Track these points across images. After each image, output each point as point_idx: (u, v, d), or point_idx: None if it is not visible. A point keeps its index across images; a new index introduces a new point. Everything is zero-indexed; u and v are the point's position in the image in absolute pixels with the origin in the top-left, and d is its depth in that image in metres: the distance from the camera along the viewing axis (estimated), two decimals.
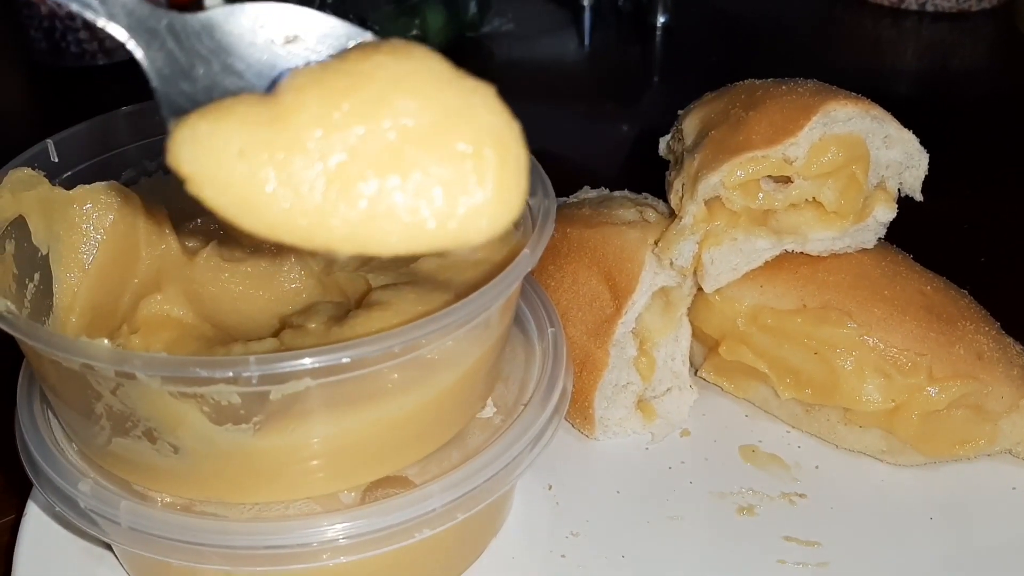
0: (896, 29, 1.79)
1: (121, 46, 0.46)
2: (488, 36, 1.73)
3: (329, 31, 0.46)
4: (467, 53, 1.70)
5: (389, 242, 0.41)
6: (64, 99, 1.58)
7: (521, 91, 1.60)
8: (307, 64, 0.44)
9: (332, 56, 0.45)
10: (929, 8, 1.79)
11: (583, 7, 1.84)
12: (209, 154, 0.40)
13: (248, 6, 0.45)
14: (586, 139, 1.46)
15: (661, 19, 1.79)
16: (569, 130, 1.48)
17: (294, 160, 0.39)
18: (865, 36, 1.79)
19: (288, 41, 0.45)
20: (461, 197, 0.40)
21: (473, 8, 1.69)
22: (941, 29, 1.78)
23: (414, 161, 0.40)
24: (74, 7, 0.46)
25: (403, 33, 1.58)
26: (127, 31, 0.45)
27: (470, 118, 0.41)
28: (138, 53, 0.45)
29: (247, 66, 0.45)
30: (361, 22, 1.56)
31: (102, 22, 0.45)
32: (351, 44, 0.47)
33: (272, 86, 0.41)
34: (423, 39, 1.59)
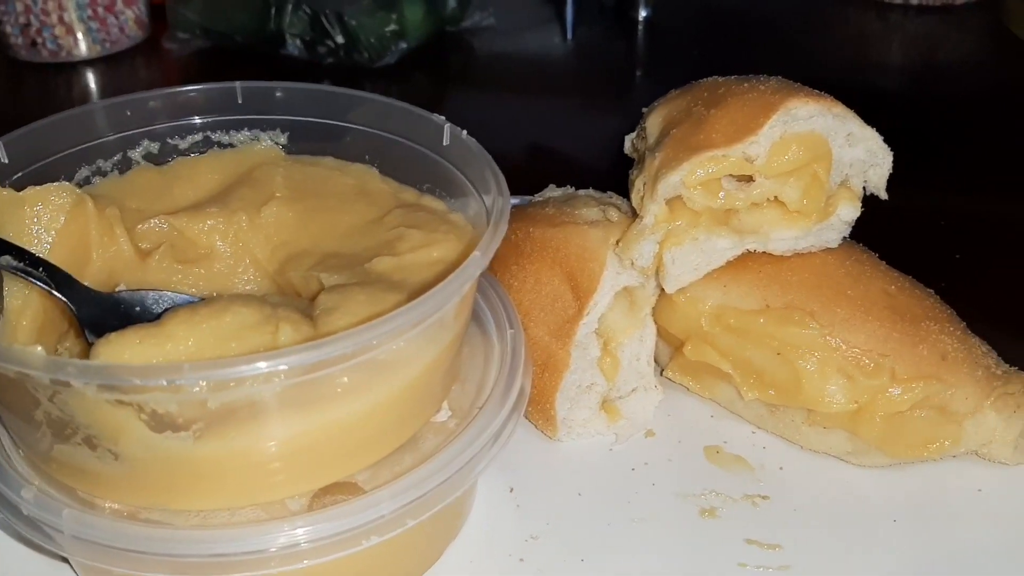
0: (881, 23, 1.78)
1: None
2: (469, 30, 1.71)
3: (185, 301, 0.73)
4: (447, 48, 1.69)
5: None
6: (39, 94, 1.57)
7: (502, 86, 1.61)
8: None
9: None
10: (914, 2, 1.78)
11: (565, 1, 1.82)
12: (121, 346, 0.60)
13: (143, 293, 0.74)
14: (569, 134, 1.45)
15: (644, 13, 1.78)
16: (552, 125, 1.47)
17: (167, 344, 0.61)
18: (850, 30, 1.78)
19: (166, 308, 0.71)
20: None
21: (453, 2, 1.67)
22: (926, 23, 1.77)
23: (243, 337, 0.62)
24: (40, 285, 0.69)
25: (381, 28, 1.55)
26: (67, 300, 0.69)
27: (274, 314, 0.64)
28: (75, 309, 0.69)
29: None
30: (338, 17, 1.54)
31: (56, 294, 0.69)
32: None
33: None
34: (401, 34, 1.57)
